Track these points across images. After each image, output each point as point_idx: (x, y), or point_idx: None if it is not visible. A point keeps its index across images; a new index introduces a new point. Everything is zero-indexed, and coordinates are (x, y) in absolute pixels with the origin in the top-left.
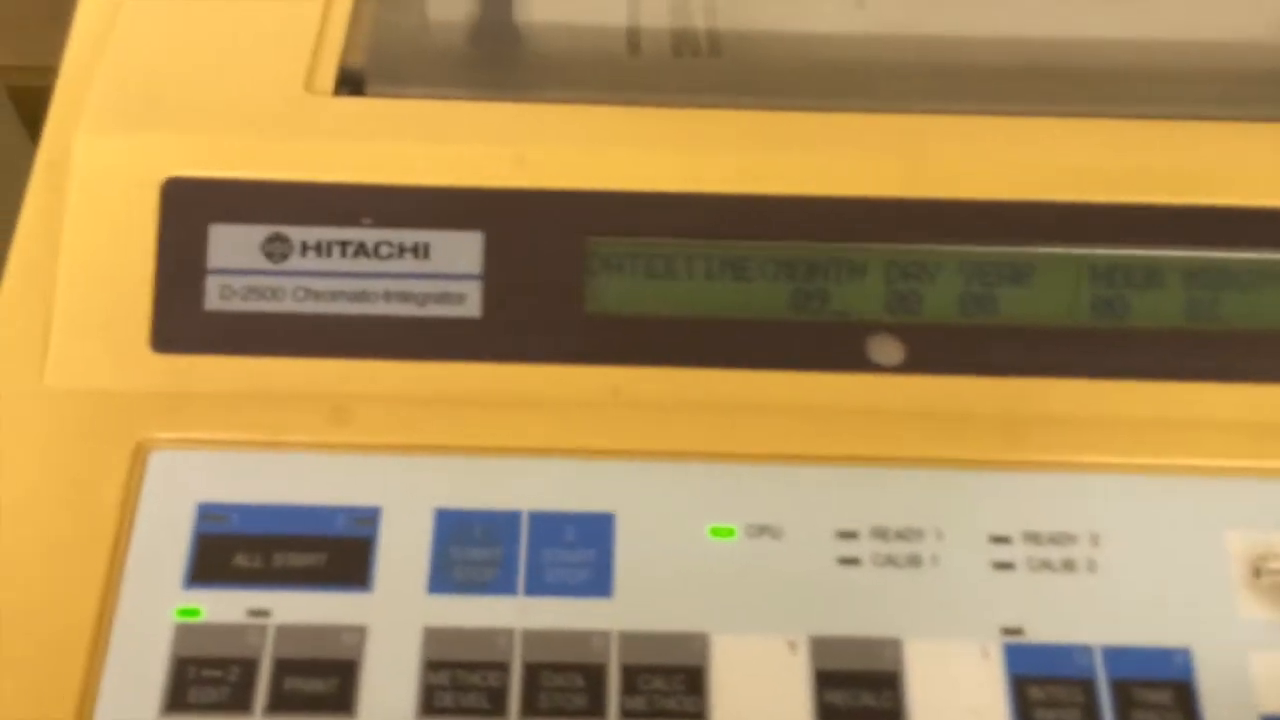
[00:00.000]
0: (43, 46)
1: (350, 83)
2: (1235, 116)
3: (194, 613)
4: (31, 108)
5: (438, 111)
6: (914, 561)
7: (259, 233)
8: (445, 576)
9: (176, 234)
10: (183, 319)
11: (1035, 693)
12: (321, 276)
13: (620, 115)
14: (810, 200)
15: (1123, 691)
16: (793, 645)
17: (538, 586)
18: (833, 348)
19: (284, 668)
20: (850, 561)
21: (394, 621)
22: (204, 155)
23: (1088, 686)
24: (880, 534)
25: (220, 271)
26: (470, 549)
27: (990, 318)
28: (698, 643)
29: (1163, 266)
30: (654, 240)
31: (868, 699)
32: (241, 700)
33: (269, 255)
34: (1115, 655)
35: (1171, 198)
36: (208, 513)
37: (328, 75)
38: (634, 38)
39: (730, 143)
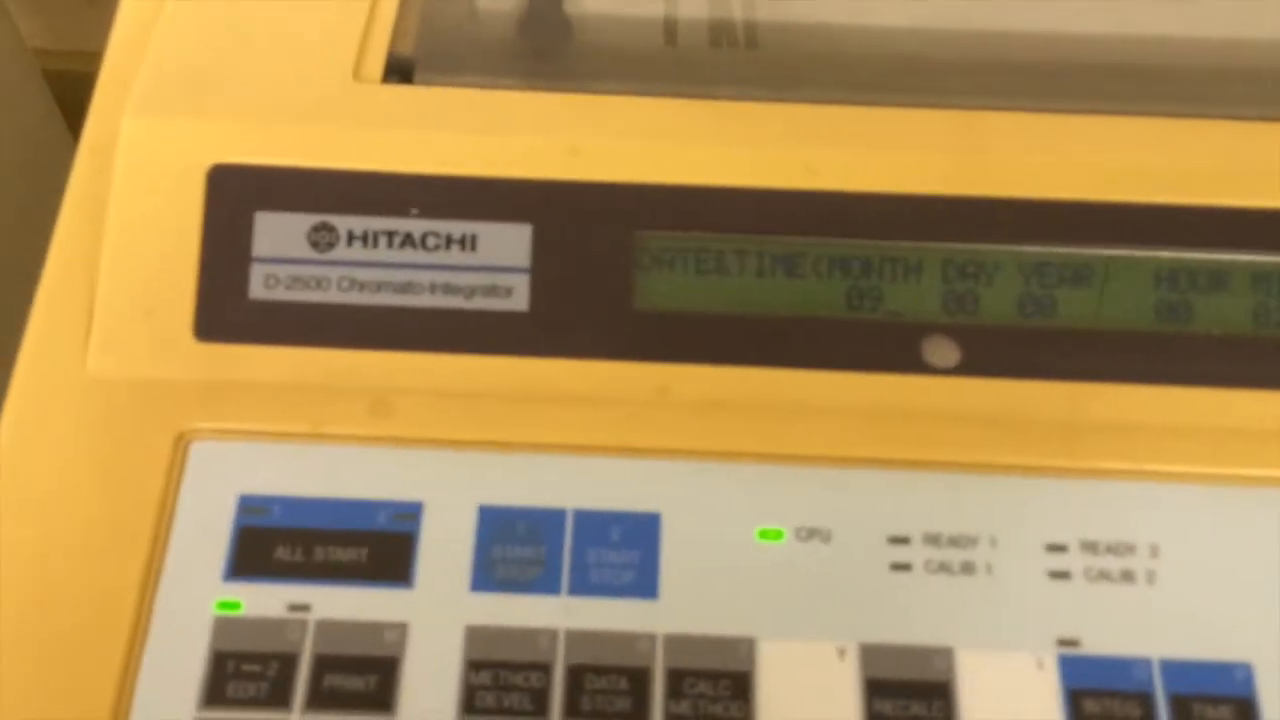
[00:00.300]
0: (80, 30)
1: (399, 71)
2: None
3: (234, 606)
4: (68, 91)
5: (487, 101)
6: (967, 569)
7: (305, 221)
8: (488, 574)
9: (222, 221)
10: (227, 308)
11: (1091, 706)
12: (367, 267)
13: (673, 108)
14: (866, 197)
15: (1181, 706)
16: (842, 652)
17: (582, 586)
18: (886, 348)
19: (324, 664)
20: (902, 567)
21: (436, 619)
22: (251, 142)
23: (1145, 700)
24: (933, 540)
25: (265, 260)
26: (513, 547)
27: (1049, 320)
28: (745, 647)
29: (1229, 271)
30: (705, 235)
31: (918, 709)
32: (280, 696)
33: (315, 244)
34: (1174, 669)
35: (1240, 200)
36: (249, 505)
37: (376, 63)
38: (670, 28)
39: (785, 138)
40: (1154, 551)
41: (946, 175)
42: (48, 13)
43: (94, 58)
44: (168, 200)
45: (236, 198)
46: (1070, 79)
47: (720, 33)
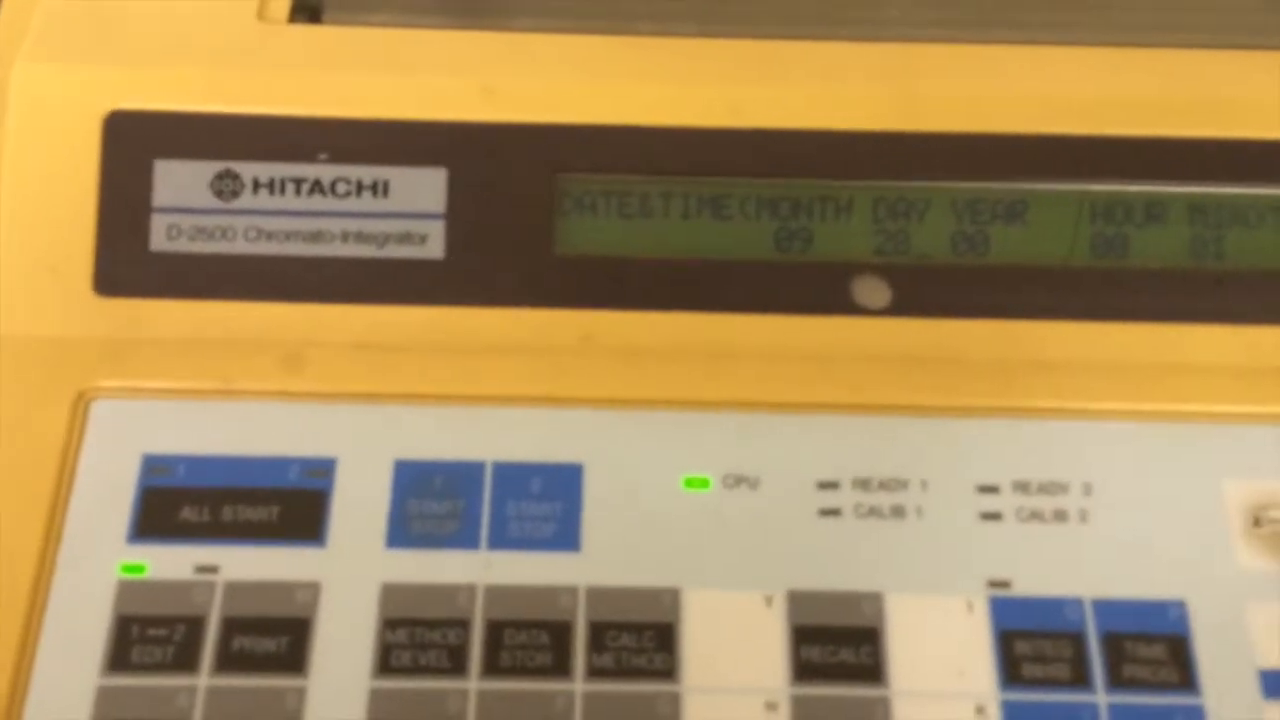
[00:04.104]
0: None
1: (306, 10)
2: (1241, 45)
3: (138, 569)
4: None
5: (399, 40)
6: (898, 512)
7: (208, 169)
8: (404, 530)
9: (120, 170)
10: (127, 261)
11: (1022, 647)
12: (274, 215)
13: (593, 44)
14: (794, 134)
15: (1114, 645)
16: (769, 600)
17: (501, 540)
18: (816, 290)
19: (232, 626)
20: (831, 513)
21: (349, 577)
22: (150, 87)
23: (1077, 640)
24: (863, 484)
25: (167, 210)
26: (430, 501)
27: (982, 258)
28: (669, 598)
29: (1165, 202)
30: (628, 177)
31: (846, 655)
32: (187, 660)
33: (218, 193)
34: (1106, 608)
35: (1174, 130)
36: (153, 464)
37: (282, 2)
38: None
39: (710, 74)
40: (1087, 490)
41: (876, 110)
42: None
43: None
44: (63, 150)
45: (135, 145)
46: (1006, 9)
47: None
